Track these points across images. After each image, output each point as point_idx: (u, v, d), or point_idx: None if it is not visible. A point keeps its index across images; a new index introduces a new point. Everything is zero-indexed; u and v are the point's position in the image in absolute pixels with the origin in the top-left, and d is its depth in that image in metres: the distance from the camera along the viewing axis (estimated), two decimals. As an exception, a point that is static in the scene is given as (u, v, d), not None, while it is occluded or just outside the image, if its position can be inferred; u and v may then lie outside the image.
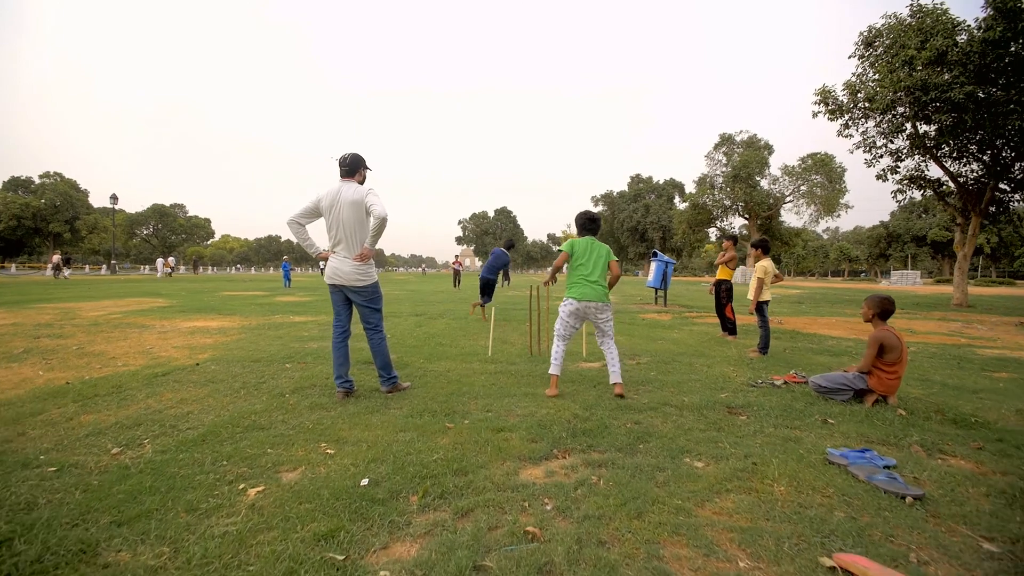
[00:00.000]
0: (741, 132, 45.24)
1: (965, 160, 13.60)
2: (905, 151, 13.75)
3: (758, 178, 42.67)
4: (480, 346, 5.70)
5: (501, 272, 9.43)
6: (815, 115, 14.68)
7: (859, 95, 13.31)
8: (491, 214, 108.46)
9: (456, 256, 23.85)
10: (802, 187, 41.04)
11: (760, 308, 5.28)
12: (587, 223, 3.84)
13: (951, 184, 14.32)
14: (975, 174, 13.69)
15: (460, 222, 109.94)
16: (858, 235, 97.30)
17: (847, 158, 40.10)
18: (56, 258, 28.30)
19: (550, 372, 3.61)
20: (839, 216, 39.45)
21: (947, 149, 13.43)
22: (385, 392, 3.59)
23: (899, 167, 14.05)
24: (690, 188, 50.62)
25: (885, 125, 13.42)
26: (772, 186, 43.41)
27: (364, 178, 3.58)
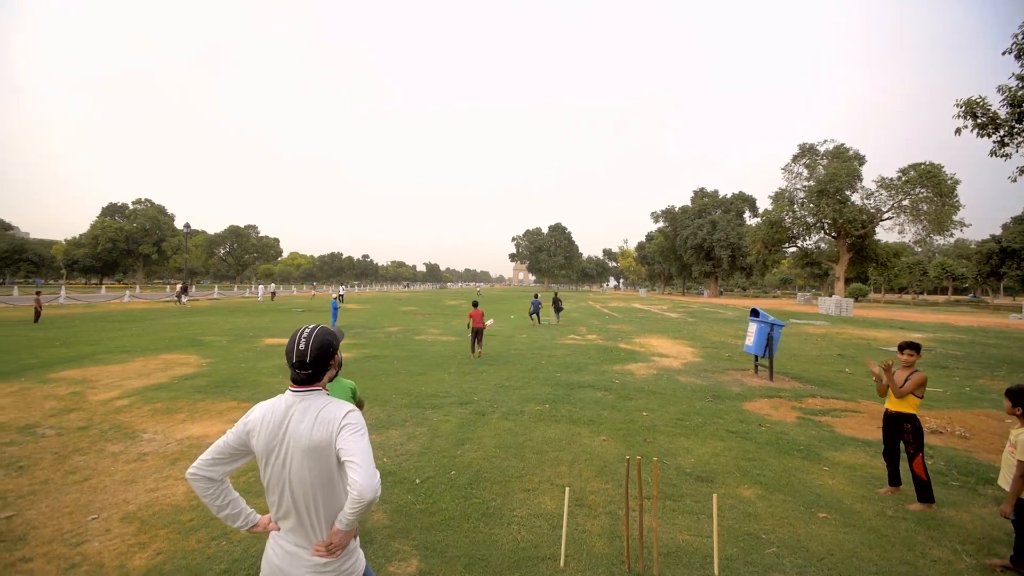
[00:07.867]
0: (825, 142, 40.84)
1: None
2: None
3: (848, 192, 38.02)
4: (548, 516, 3.82)
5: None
6: (958, 131, 11.71)
7: (1028, 105, 10.29)
8: (545, 230, 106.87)
9: (475, 305, 12.17)
10: (904, 202, 35.95)
11: (1029, 512, 3.02)
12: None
13: None
14: None
15: (514, 239, 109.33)
16: (962, 249, 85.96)
17: (959, 168, 34.60)
18: (178, 286, 31.81)
19: None
20: (951, 236, 34.06)
21: None
22: None
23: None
24: (763, 203, 46.25)
25: (1068, 142, 10.29)
26: (865, 201, 38.52)
27: (336, 374, 1.91)
